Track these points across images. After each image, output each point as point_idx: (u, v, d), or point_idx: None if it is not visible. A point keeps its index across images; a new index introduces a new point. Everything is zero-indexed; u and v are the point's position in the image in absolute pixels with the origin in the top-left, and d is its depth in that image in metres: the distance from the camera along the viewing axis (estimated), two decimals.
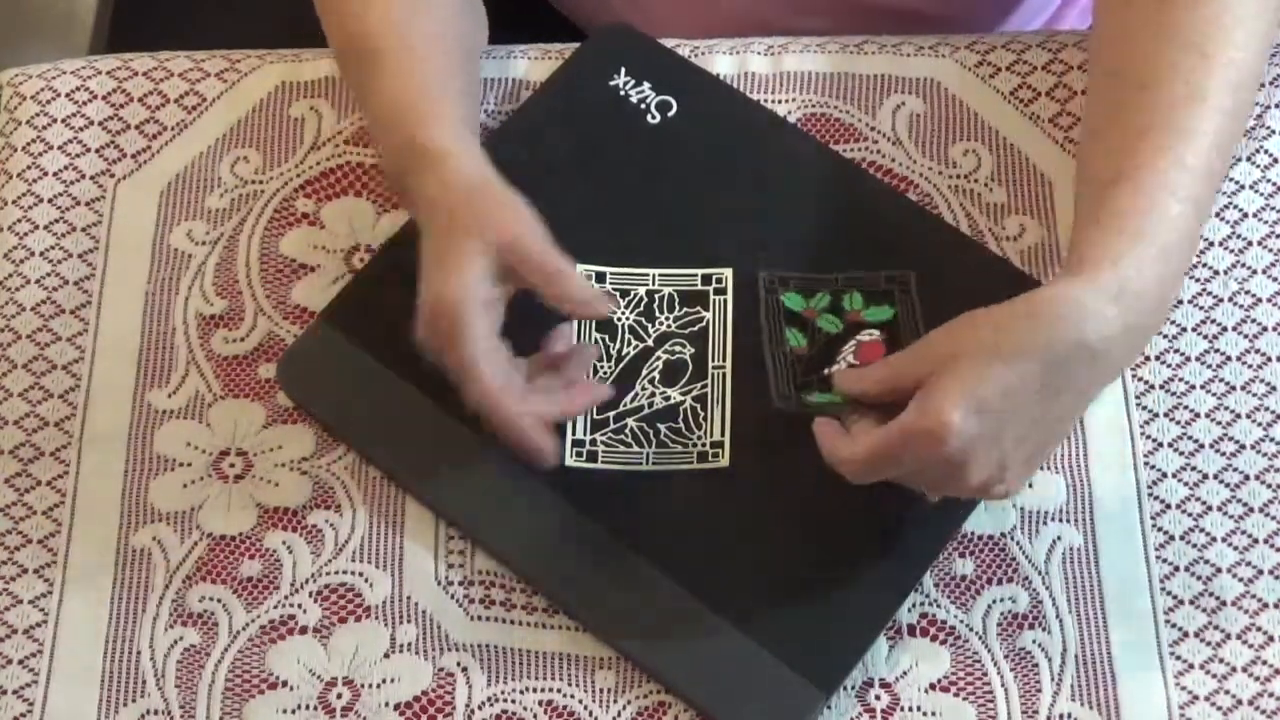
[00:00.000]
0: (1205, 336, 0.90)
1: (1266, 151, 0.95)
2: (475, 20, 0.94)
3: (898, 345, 0.82)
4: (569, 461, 0.85)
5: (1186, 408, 0.88)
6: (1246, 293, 0.91)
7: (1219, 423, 0.88)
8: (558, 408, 0.83)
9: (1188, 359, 0.90)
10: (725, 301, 0.89)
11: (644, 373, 0.88)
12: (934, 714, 0.82)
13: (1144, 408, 0.88)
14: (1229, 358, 0.90)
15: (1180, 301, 0.91)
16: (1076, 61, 0.97)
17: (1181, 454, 0.87)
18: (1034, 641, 0.83)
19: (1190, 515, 0.86)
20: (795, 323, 0.86)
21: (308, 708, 0.82)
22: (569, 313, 0.83)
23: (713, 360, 0.88)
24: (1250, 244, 0.92)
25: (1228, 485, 0.87)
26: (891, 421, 0.74)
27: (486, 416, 0.80)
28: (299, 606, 0.84)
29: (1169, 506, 0.86)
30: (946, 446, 0.72)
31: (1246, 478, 0.87)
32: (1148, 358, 0.89)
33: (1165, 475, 0.87)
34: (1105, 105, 0.81)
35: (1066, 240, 0.84)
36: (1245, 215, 0.93)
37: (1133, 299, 0.73)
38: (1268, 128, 0.95)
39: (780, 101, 0.96)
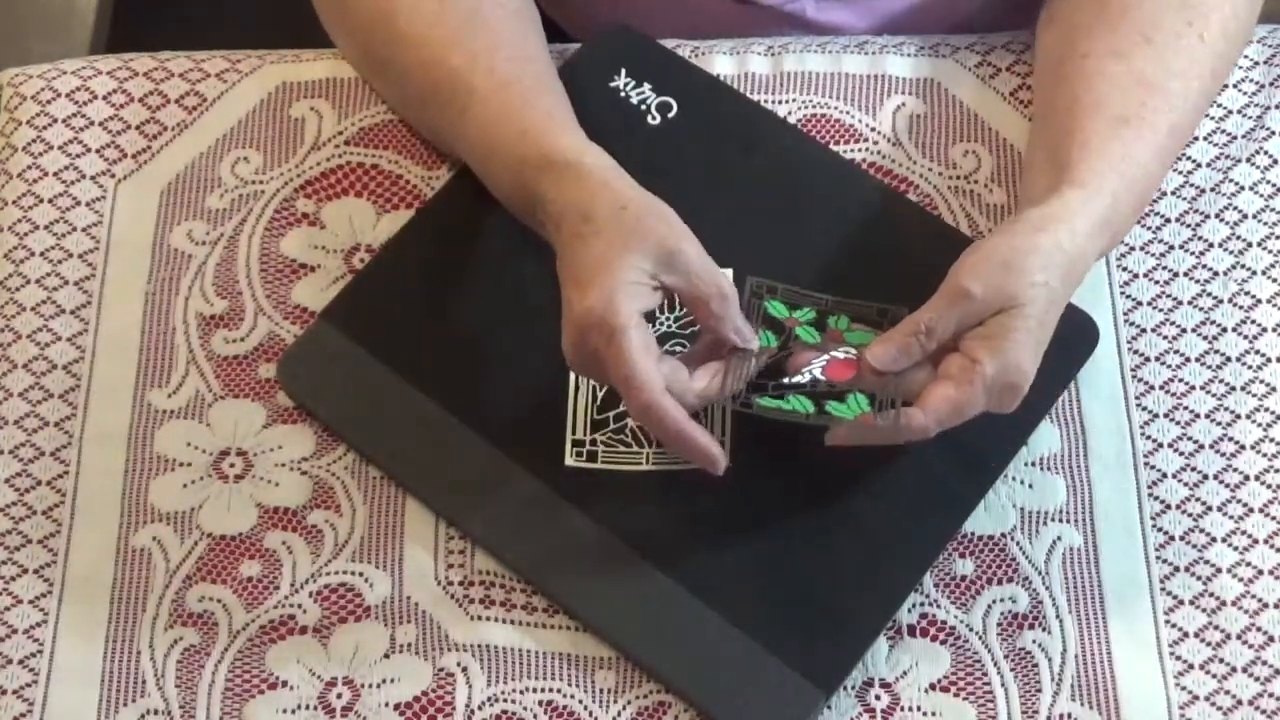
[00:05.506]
0: (1205, 338, 0.90)
1: (1266, 153, 0.95)
2: (536, 28, 0.93)
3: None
4: (568, 461, 0.85)
5: (1186, 408, 0.88)
6: (1246, 294, 0.91)
7: (1219, 423, 0.88)
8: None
9: (1187, 360, 0.90)
10: None
11: None
12: (934, 714, 0.82)
13: (1144, 408, 0.89)
14: (1229, 359, 0.90)
15: (1180, 302, 0.91)
16: None
17: (1181, 454, 0.87)
18: (1034, 641, 0.83)
19: (1190, 516, 0.86)
20: (772, 327, 0.83)
21: (308, 708, 0.82)
22: (720, 335, 0.80)
23: None
24: (1250, 245, 0.92)
25: (1228, 486, 0.87)
26: (958, 381, 0.77)
27: (652, 428, 0.78)
28: (299, 606, 0.84)
29: (1169, 507, 0.86)
30: (1024, 391, 0.79)
31: (1246, 478, 0.87)
32: (1147, 358, 0.90)
33: (1165, 476, 0.87)
34: (1106, 36, 0.87)
35: None
36: (1245, 217, 0.93)
37: (1106, 227, 0.83)
38: (1267, 129, 0.95)
39: (780, 102, 0.96)
